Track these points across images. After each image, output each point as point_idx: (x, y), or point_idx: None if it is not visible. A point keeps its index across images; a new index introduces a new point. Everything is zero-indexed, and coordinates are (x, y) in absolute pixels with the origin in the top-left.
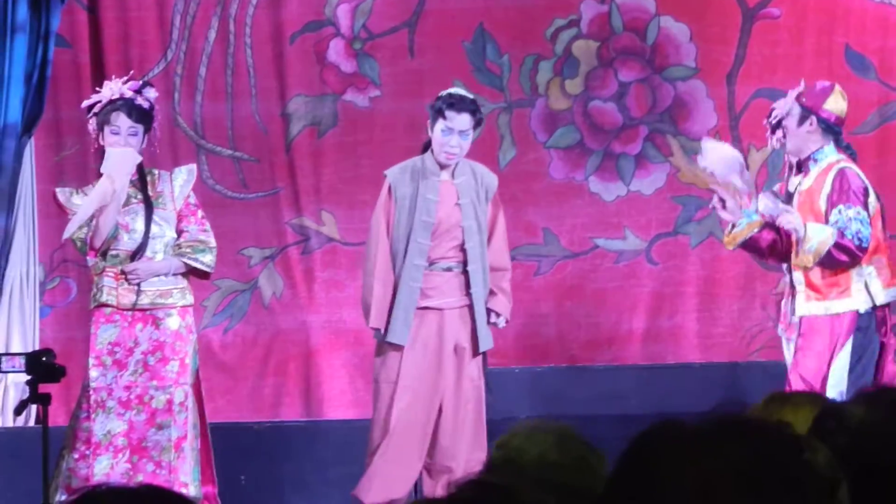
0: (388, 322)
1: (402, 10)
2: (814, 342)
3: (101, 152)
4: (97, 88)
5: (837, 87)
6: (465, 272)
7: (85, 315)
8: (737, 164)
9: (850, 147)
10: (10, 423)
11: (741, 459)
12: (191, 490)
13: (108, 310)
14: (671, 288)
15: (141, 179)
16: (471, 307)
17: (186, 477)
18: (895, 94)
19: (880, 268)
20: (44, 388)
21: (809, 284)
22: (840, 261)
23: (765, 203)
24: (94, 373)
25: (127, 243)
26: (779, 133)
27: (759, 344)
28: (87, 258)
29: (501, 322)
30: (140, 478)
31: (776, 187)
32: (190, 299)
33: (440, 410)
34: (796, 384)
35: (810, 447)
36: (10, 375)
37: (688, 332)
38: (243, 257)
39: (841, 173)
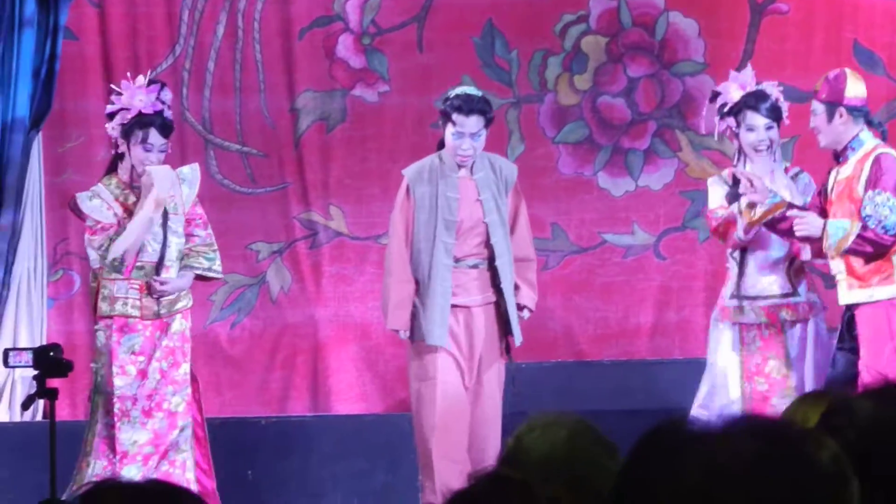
0: (418, 323)
1: (410, 6)
2: (875, 331)
3: (116, 156)
4: (115, 88)
5: (848, 70)
6: (492, 268)
7: (88, 308)
8: None
9: (881, 125)
10: (17, 418)
11: (746, 456)
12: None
13: (132, 319)
14: (679, 282)
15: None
16: (497, 303)
17: (190, 473)
18: None
19: None
20: (51, 382)
21: (851, 272)
22: (865, 252)
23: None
24: (119, 381)
25: (151, 254)
26: (729, 121)
27: None
28: (102, 268)
29: (526, 314)
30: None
31: (724, 173)
32: (191, 302)
33: (472, 406)
34: (869, 377)
35: (819, 443)
36: (17, 370)
37: (695, 327)
38: (251, 252)
39: (877, 159)
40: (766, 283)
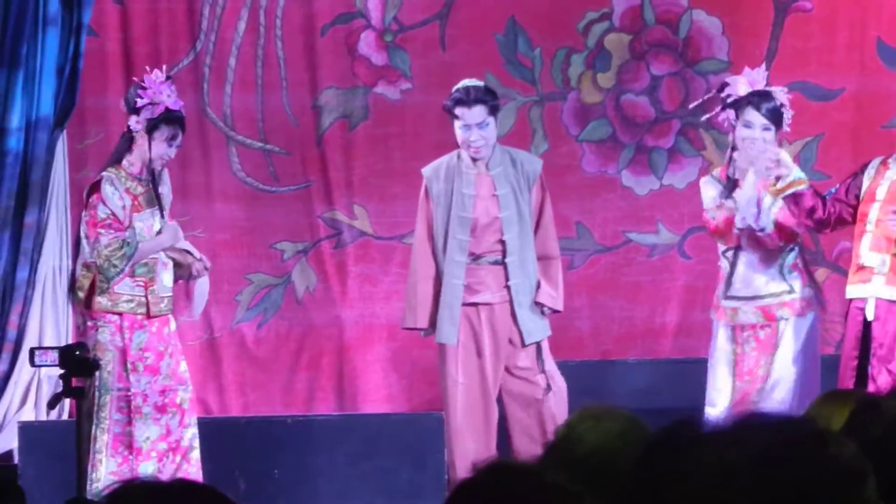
0: (435, 322)
1: (433, 2)
2: None
3: (124, 148)
4: (134, 78)
5: None
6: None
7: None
8: None
9: None
10: (43, 417)
11: (760, 454)
12: None
13: (139, 316)
14: (704, 282)
15: (153, 181)
16: (511, 301)
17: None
18: None
19: None
20: (77, 381)
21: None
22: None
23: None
24: (132, 378)
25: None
26: (729, 113)
27: None
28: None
29: (547, 312)
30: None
31: (716, 172)
32: None
33: (503, 406)
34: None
35: (835, 441)
36: (43, 369)
37: None
38: (276, 251)
39: None
40: (761, 282)
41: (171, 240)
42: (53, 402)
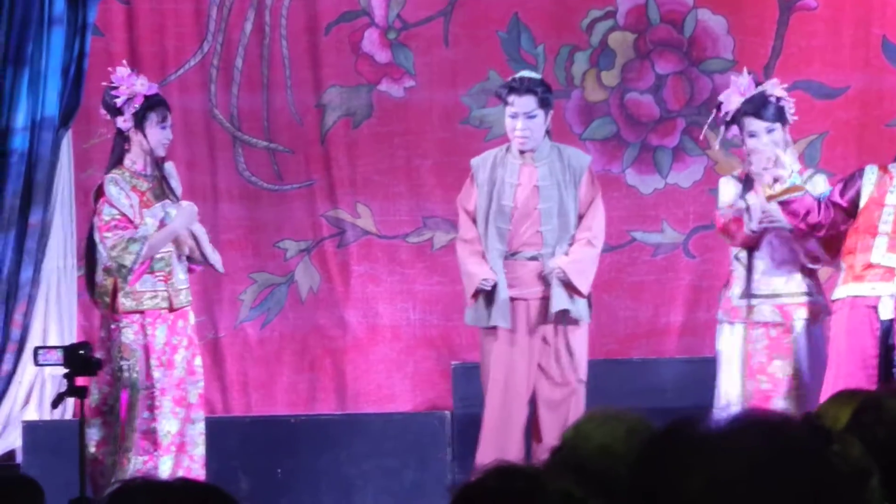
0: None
1: (436, 0)
2: None
3: (122, 148)
4: (111, 84)
5: None
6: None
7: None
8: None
9: None
10: (47, 416)
11: (764, 453)
12: None
13: (162, 311)
14: (709, 281)
15: (161, 177)
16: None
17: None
18: None
19: None
20: (80, 380)
21: None
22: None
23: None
24: (157, 374)
25: (168, 244)
26: (734, 129)
27: None
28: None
29: (558, 272)
30: (180, 473)
31: (737, 173)
32: None
33: (536, 403)
34: None
35: (840, 440)
36: (47, 368)
37: None
38: (279, 250)
39: None
40: (780, 282)
41: (185, 221)
42: (57, 402)
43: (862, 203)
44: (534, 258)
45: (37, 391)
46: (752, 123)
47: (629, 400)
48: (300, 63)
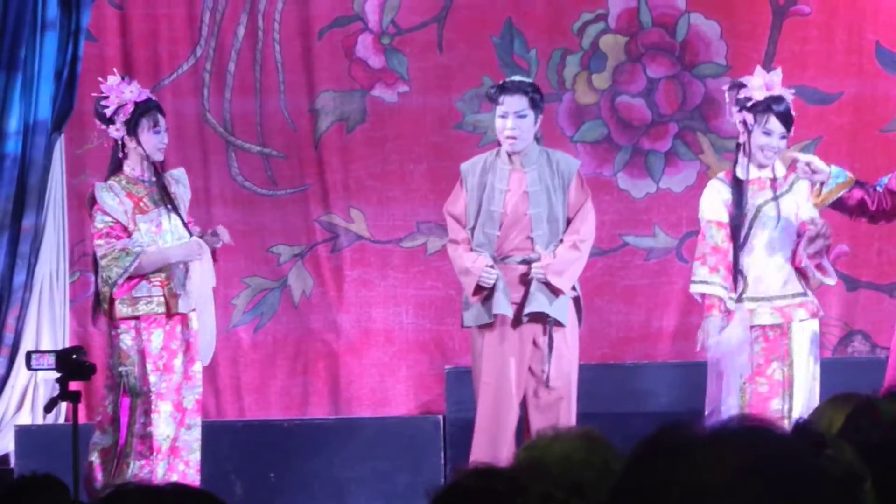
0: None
1: (430, 6)
2: None
3: (120, 156)
4: (100, 94)
5: None
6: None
7: (99, 310)
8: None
9: None
10: (39, 421)
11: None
12: None
13: (158, 316)
14: None
15: (159, 181)
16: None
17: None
18: None
19: None
20: (73, 385)
21: None
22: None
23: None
24: (153, 378)
25: (171, 247)
26: (747, 116)
27: None
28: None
29: (537, 269)
30: (174, 478)
31: (721, 174)
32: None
33: (526, 407)
34: None
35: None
36: (39, 372)
37: None
38: (272, 255)
39: None
40: (777, 284)
41: (184, 255)
42: (50, 406)
43: None
44: (524, 262)
45: (30, 395)
46: (774, 122)
47: (621, 404)
48: (293, 67)
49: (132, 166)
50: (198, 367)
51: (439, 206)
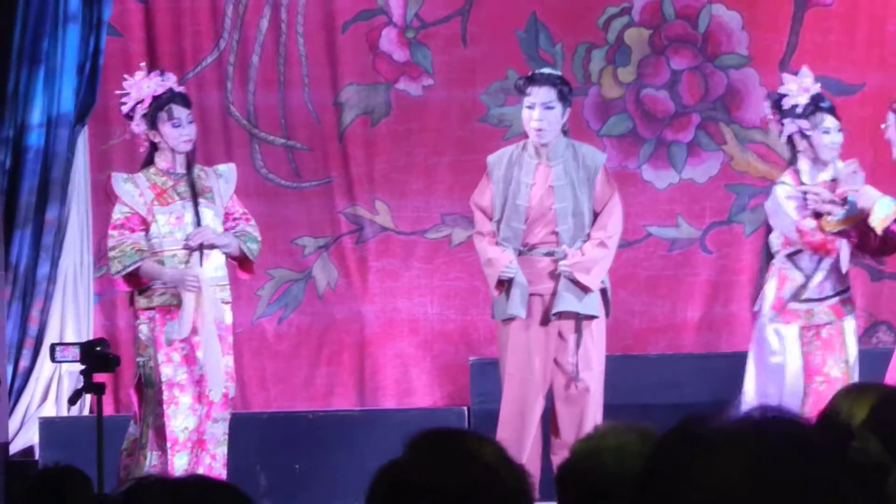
0: (494, 303)
1: None
2: None
3: (150, 149)
4: (122, 92)
5: None
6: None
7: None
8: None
9: None
10: (64, 413)
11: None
12: None
13: (173, 308)
14: (726, 276)
15: (189, 174)
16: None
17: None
18: None
19: None
20: (98, 377)
21: None
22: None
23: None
24: (166, 369)
25: (181, 240)
26: (801, 123)
27: None
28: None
29: (563, 266)
30: (200, 471)
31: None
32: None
33: (553, 397)
34: None
35: (859, 436)
36: (64, 365)
37: (742, 321)
38: (297, 247)
39: None
40: (832, 283)
41: (176, 281)
42: (74, 398)
43: None
44: (549, 254)
45: (54, 388)
46: (829, 120)
47: (646, 395)
48: (317, 61)
49: (163, 159)
50: (227, 362)
51: (464, 199)
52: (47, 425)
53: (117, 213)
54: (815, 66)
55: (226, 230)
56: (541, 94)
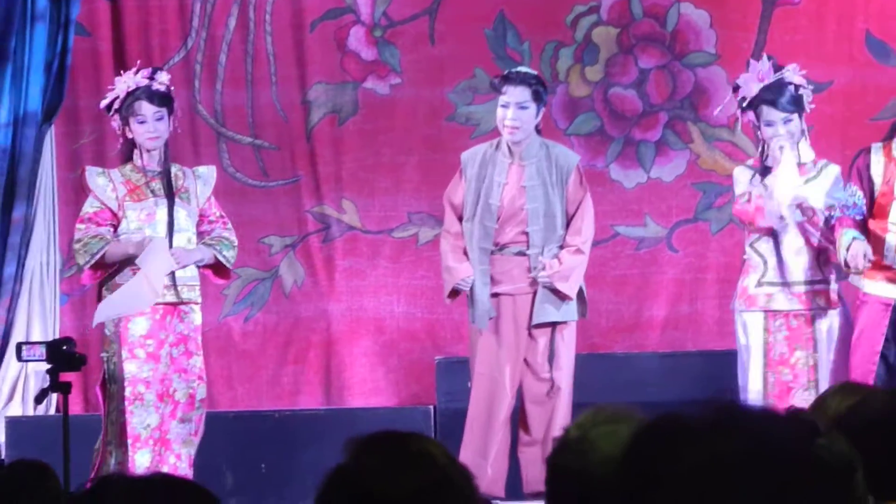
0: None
1: None
2: None
3: (128, 145)
4: (110, 87)
5: None
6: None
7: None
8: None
9: None
10: (30, 412)
11: (749, 446)
12: None
13: None
14: (692, 275)
15: (165, 173)
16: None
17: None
18: None
19: None
20: (64, 376)
21: None
22: None
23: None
24: (130, 366)
25: (150, 236)
26: (750, 115)
27: None
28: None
29: (543, 276)
30: (165, 469)
31: (749, 162)
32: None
33: (524, 395)
34: None
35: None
36: (30, 364)
37: (708, 319)
38: (264, 245)
39: None
40: (798, 270)
41: (142, 252)
42: (40, 398)
43: (875, 193)
44: (520, 253)
45: (20, 387)
46: (770, 113)
47: (612, 394)
48: (285, 60)
49: (138, 155)
50: (196, 362)
51: (431, 198)
52: (13, 424)
53: (87, 207)
54: (784, 64)
55: (200, 233)
56: (516, 94)
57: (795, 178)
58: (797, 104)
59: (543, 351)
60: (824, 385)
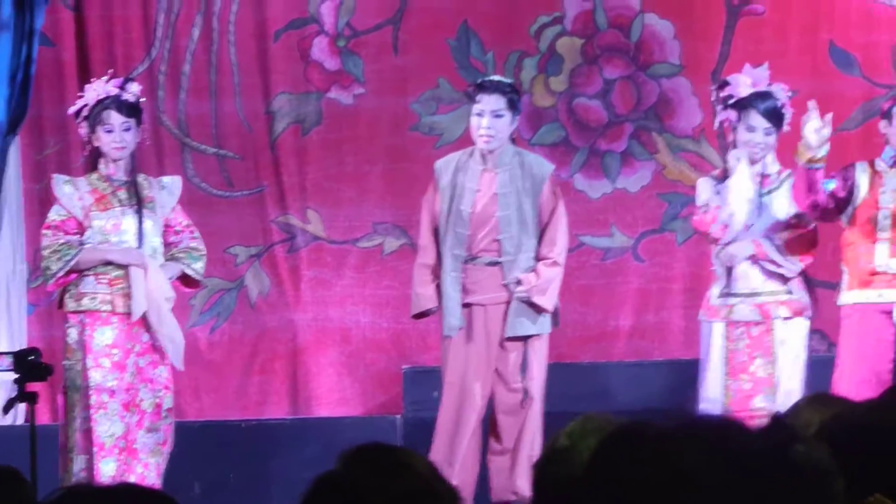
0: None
1: (385, 8)
2: None
3: (94, 154)
4: (80, 94)
5: None
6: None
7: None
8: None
9: None
10: None
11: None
12: None
13: (103, 313)
14: (657, 285)
15: (132, 183)
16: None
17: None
18: (879, 90)
19: None
20: (31, 386)
21: None
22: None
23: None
24: (95, 374)
25: (116, 244)
26: (731, 114)
27: None
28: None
29: (520, 291)
30: (132, 479)
31: (715, 173)
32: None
33: (495, 405)
34: None
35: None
36: None
37: (674, 329)
38: (229, 256)
39: None
40: (759, 280)
41: (123, 258)
42: (7, 407)
43: (858, 202)
44: (493, 263)
45: None
46: (756, 118)
47: (578, 403)
48: (249, 70)
49: (105, 164)
50: (162, 372)
51: (395, 207)
52: None
53: (53, 214)
54: None
55: (167, 244)
56: (490, 102)
57: (749, 190)
58: (780, 118)
59: (515, 361)
60: (783, 395)
